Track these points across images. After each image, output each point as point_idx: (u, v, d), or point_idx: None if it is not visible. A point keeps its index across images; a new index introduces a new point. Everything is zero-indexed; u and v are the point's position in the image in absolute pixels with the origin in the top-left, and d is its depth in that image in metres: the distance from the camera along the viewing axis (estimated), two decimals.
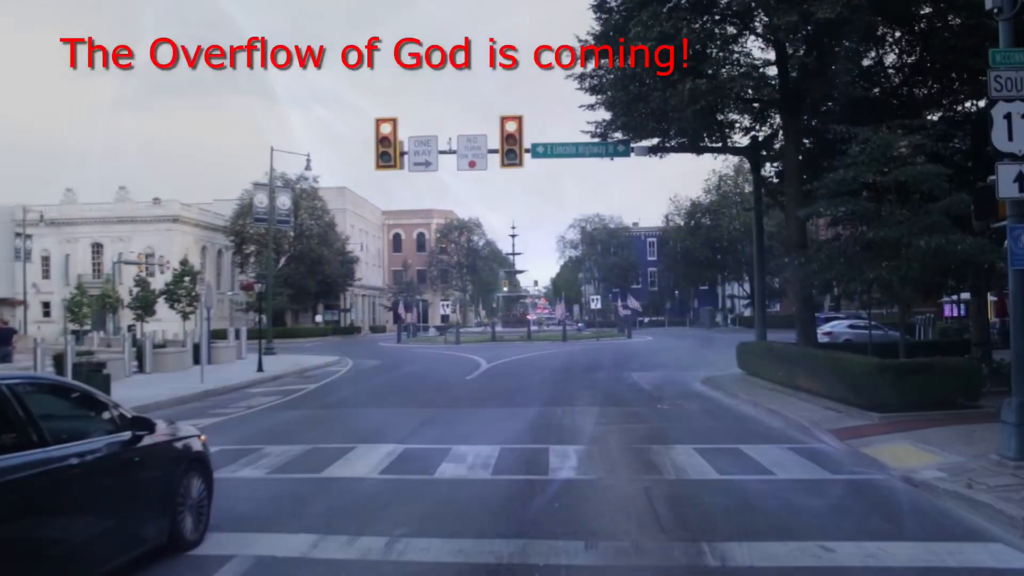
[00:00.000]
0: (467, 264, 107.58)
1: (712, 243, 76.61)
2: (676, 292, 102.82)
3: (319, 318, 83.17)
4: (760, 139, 23.65)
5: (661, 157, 24.73)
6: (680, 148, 24.00)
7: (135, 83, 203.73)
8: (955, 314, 54.44)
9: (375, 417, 16.34)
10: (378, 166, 23.59)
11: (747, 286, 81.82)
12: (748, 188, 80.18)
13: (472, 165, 23.59)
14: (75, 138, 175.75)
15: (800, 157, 20.03)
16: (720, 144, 23.76)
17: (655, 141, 24.04)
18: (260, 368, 28.30)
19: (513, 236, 63.79)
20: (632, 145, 23.47)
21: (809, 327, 20.52)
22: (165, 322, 76.45)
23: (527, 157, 23.68)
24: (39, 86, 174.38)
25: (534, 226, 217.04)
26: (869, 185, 15.03)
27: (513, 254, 66.12)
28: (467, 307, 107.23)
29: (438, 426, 14.79)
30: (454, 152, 23.81)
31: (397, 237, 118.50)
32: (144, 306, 44.46)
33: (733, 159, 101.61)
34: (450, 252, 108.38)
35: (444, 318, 77.94)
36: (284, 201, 42.43)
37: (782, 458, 11.34)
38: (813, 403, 16.10)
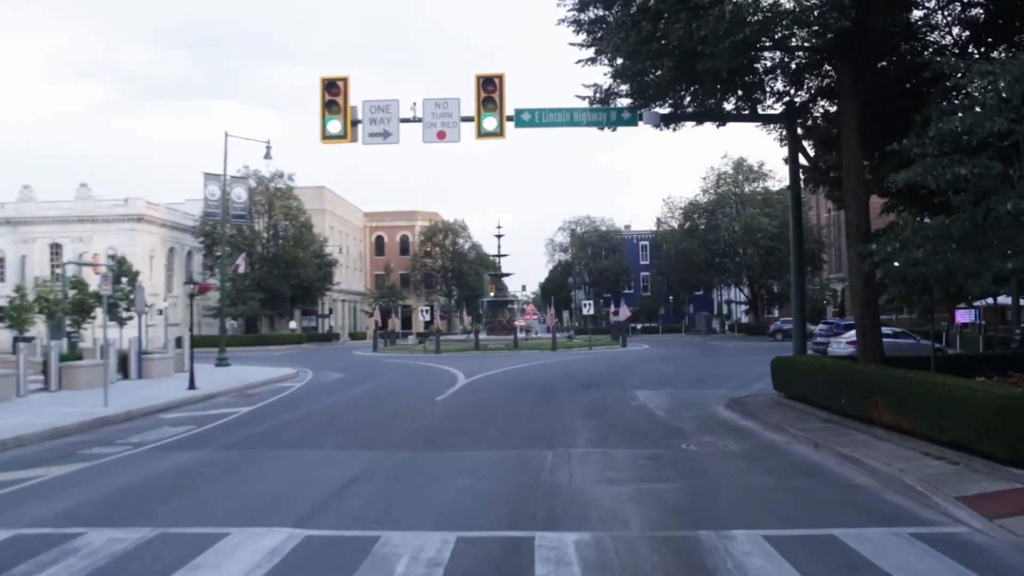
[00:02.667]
0: (452, 268, 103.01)
1: (710, 245, 72.24)
2: (670, 297, 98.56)
3: (293, 324, 78.41)
4: (797, 104, 19.21)
5: (675, 129, 20.28)
6: (697, 116, 19.49)
7: (122, 87, 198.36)
8: (967, 320, 50.48)
9: (292, 466, 11.69)
10: (324, 137, 19.01)
11: (747, 291, 77.52)
12: (748, 187, 75.91)
13: (441, 136, 19.05)
14: (61, 141, 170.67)
15: (860, 118, 15.50)
16: (748, 111, 19.25)
17: (667, 111, 19.61)
18: (192, 385, 23.63)
19: (499, 236, 59.03)
20: (640, 112, 18.98)
21: (875, 337, 16.00)
22: (129, 327, 71.64)
23: (510, 127, 19.17)
24: (22, 88, 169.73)
25: (523, 231, 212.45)
26: (986, 140, 10.55)
27: (499, 256, 61.26)
28: (452, 313, 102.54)
29: (373, 485, 10.17)
30: (419, 120, 19.26)
31: (380, 240, 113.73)
32: (81, 311, 39.62)
33: (732, 155, 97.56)
34: (434, 256, 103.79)
35: (427, 324, 72.96)
36: (240, 193, 37.68)
37: (922, 563, 6.81)
38: (902, 446, 11.60)
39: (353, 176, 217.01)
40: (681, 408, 18.33)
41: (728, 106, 19.57)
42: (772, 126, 20.63)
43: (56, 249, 73.21)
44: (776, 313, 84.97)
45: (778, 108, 19.59)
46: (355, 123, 19.20)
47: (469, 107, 19.18)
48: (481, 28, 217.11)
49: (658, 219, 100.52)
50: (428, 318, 53.84)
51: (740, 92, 18.84)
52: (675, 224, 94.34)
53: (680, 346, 56.17)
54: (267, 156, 37.79)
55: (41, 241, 73.38)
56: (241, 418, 17.94)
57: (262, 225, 78.75)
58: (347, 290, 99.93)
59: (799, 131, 19.90)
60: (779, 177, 75.22)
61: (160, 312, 72.24)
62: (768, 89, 19.28)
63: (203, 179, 36.43)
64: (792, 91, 19.35)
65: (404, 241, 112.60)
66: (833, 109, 19.42)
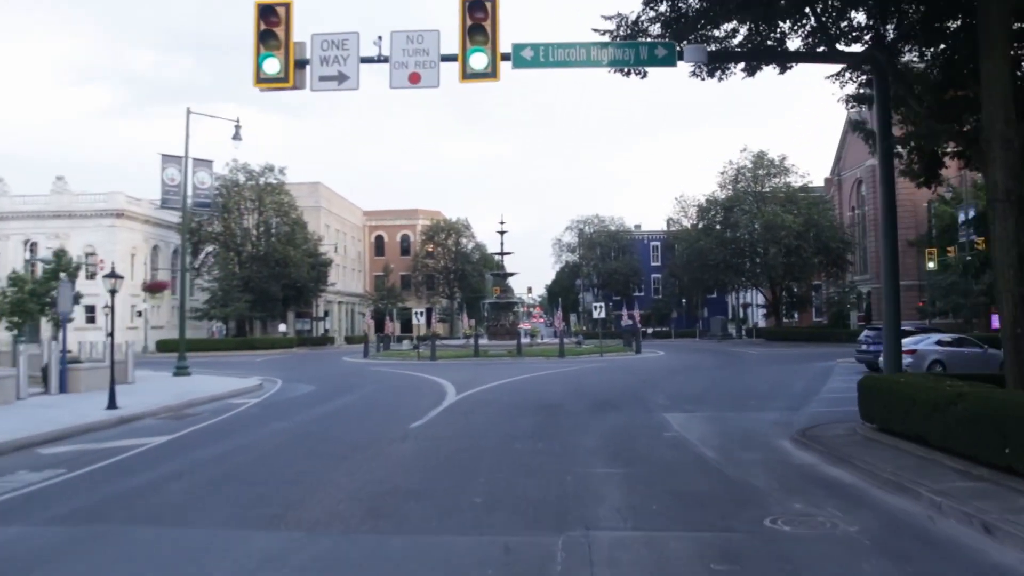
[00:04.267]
0: (454, 269, 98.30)
1: (728, 244, 67.35)
2: (683, 300, 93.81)
3: (283, 327, 73.77)
4: (888, 40, 14.46)
5: (721, 78, 15.58)
6: (753, 56, 14.79)
7: (128, 90, 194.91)
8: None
9: (125, 571, 7.01)
10: (259, 81, 14.34)
11: (768, 293, 72.70)
12: (769, 183, 70.75)
13: (415, 80, 14.35)
14: (62, 144, 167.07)
15: (1009, 36, 10.77)
16: (823, 46, 14.50)
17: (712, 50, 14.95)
18: (112, 404, 18.97)
19: (502, 233, 54.14)
20: (679, 48, 14.27)
21: None
22: (94, 331, 67.14)
23: (506, 67, 14.46)
24: (30, 92, 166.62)
25: (529, 236, 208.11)
26: None
27: (502, 254, 56.28)
28: (454, 316, 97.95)
29: None
30: (385, 60, 14.56)
31: (380, 239, 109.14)
32: (21, 311, 35.07)
33: (752, 147, 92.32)
34: (436, 256, 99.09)
35: (428, 327, 68.46)
36: (203, 178, 33.06)
37: None
38: None
39: (354, 181, 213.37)
40: (734, 444, 13.60)
41: (794, 44, 14.88)
42: (845, 76, 15.85)
43: (32, 247, 68.76)
44: (795, 318, 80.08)
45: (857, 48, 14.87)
46: (301, 64, 14.53)
47: (452, 44, 14.49)
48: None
49: (670, 219, 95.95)
50: (423, 321, 49.02)
51: (812, 23, 14.16)
52: (687, 223, 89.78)
53: (699, 353, 51.38)
54: (236, 137, 33.17)
55: (15, 238, 68.87)
56: (140, 456, 13.26)
57: (252, 222, 74.29)
58: (344, 291, 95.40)
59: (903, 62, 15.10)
60: (802, 172, 70.47)
61: (140, 314, 67.80)
62: (847, 21, 14.58)
63: (160, 161, 31.86)
64: (879, 25, 14.61)
65: (405, 241, 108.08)
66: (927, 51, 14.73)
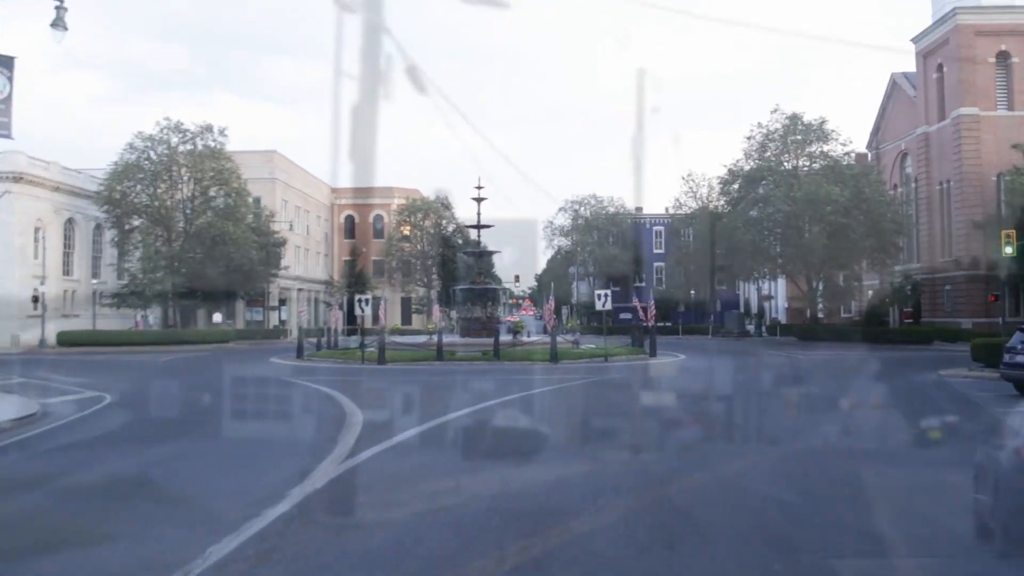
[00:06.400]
0: (433, 255, 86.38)
1: (755, 223, 55.61)
2: (692, 292, 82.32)
3: (217, 317, 61.70)
4: None
5: None
6: None
7: (121, 78, 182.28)
8: None
9: None
10: None
11: (800, 283, 60.93)
12: (809, 150, 58.23)
13: None
14: (57, 133, 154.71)
15: None
16: None
17: None
18: None
19: (479, 200, 42.00)
20: None
21: None
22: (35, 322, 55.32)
23: None
24: (23, 79, 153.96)
25: (520, 230, 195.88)
26: None
27: (479, 227, 43.99)
28: (431, 306, 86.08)
29: None
30: None
31: (350, 220, 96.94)
32: None
33: (785, 107, 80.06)
34: (413, 239, 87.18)
35: (408, 317, 56.90)
36: None
37: None
38: None
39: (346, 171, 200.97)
40: None
41: None
42: None
43: None
44: (824, 314, 68.35)
45: None
46: None
47: None
48: (494, 29, 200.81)
49: (676, 200, 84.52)
50: (369, 311, 37.17)
51: None
52: (696, 205, 78.68)
53: (730, 357, 39.69)
54: (57, 23, 21.17)
55: None
56: None
57: (187, 192, 61.99)
58: (306, 277, 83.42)
59: None
60: (843, 139, 58.45)
61: (36, 300, 55.42)
62: None
63: None
64: None
65: (379, 222, 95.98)
66: None
